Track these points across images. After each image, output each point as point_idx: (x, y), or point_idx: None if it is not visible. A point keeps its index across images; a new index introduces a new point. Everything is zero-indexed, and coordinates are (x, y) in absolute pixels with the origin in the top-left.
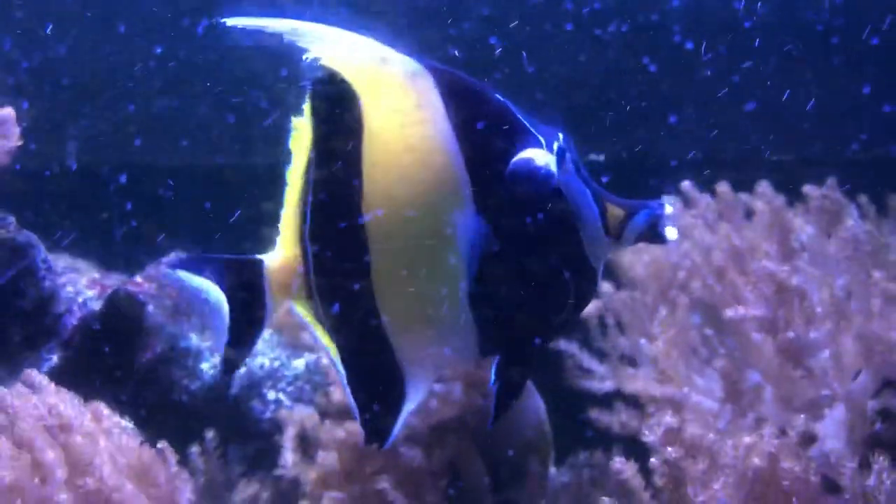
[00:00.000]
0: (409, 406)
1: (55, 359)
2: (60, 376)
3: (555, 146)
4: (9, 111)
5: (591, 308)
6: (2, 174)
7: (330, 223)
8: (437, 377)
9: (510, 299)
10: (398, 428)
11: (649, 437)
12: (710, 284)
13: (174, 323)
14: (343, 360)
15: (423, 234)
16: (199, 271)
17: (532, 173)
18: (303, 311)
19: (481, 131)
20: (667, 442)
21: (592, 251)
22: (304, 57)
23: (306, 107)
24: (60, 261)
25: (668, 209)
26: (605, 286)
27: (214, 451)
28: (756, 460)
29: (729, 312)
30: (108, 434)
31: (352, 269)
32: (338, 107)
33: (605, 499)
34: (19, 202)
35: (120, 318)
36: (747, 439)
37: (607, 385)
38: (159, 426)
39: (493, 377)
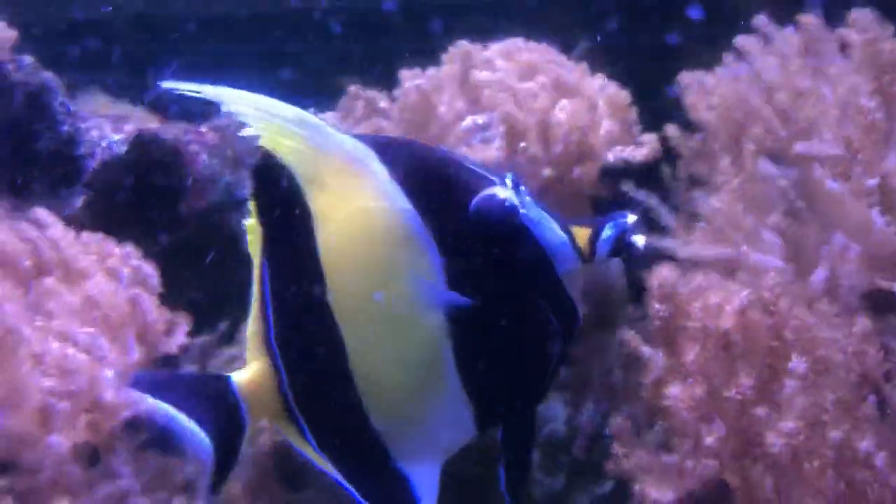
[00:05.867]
0: None
1: (78, 203)
2: (84, 221)
3: (508, 182)
4: None
5: (645, 152)
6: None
7: (296, 324)
8: (442, 463)
9: (501, 357)
10: None
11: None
12: (773, 128)
13: (234, 173)
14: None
15: (398, 309)
16: (168, 395)
17: (497, 206)
18: (286, 430)
19: (435, 187)
20: (661, 298)
21: (569, 280)
22: (240, 135)
23: (252, 206)
24: (116, 108)
25: (632, 218)
26: (671, 129)
27: None
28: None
29: (798, 147)
30: (111, 275)
31: (329, 370)
32: (281, 198)
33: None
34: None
35: (148, 162)
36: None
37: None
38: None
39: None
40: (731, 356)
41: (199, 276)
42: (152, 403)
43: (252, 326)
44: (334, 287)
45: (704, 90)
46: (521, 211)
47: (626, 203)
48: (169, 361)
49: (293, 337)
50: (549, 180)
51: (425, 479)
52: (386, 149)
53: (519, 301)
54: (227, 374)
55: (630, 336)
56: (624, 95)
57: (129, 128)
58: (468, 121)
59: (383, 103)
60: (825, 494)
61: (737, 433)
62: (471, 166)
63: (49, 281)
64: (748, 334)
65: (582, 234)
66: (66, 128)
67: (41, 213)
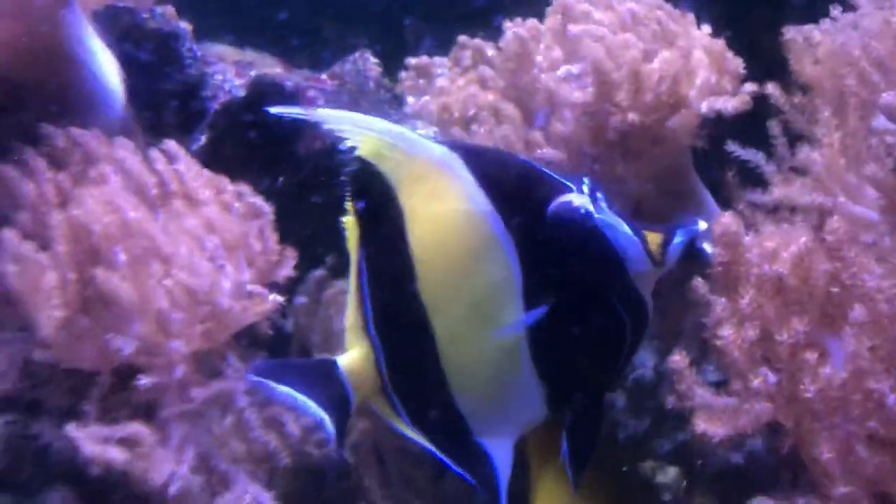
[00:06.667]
0: (504, 480)
1: (201, 141)
2: (206, 159)
3: (584, 188)
4: None
5: (737, 102)
6: None
7: (391, 313)
8: (516, 440)
9: (572, 349)
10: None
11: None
12: (869, 79)
13: None
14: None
15: (480, 301)
16: (285, 378)
17: (571, 213)
18: (382, 408)
19: (515, 192)
20: (723, 245)
21: (640, 281)
22: (341, 147)
23: (349, 205)
24: (244, 55)
25: (703, 226)
26: (771, 86)
27: None
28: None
29: (886, 97)
30: (225, 207)
31: (421, 355)
32: (377, 201)
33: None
34: None
35: (266, 105)
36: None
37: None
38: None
39: (564, 445)
40: (785, 300)
41: (312, 214)
42: (276, 387)
43: (351, 315)
44: (424, 280)
45: (809, 43)
46: (596, 216)
47: (724, 156)
48: (282, 288)
49: (388, 325)
50: (638, 127)
51: (501, 453)
52: (472, 155)
53: (591, 298)
54: (333, 357)
55: (698, 282)
56: (721, 45)
57: (253, 73)
58: (562, 70)
59: (490, 52)
60: (836, 438)
61: (790, 377)
62: (550, 173)
63: (177, 203)
64: (806, 279)
65: (654, 238)
66: (192, 71)
67: (171, 145)
